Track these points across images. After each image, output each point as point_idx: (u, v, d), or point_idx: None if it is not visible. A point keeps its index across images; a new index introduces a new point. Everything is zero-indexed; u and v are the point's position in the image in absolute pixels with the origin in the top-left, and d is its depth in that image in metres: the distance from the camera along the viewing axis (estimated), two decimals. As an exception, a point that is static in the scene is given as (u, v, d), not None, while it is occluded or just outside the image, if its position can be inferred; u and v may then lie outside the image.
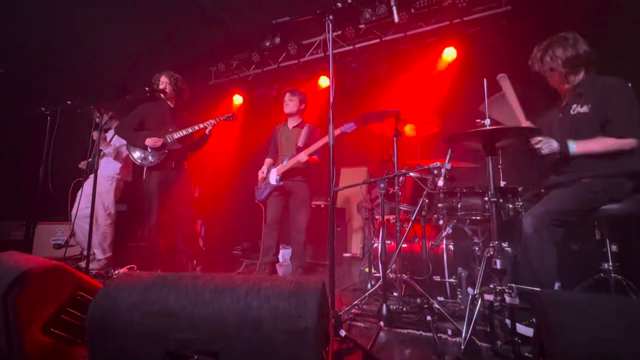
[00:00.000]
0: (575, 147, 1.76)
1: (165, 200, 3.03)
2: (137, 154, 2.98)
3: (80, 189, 3.30)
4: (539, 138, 1.81)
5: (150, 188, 2.98)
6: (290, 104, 3.17)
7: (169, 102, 3.13)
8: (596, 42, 1.89)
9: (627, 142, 1.69)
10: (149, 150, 2.93)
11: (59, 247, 3.61)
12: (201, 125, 2.97)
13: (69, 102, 2.95)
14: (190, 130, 2.97)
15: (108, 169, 3.37)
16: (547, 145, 1.78)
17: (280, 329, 0.82)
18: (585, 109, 1.82)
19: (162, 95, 3.04)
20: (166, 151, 2.95)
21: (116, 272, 2.83)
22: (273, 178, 2.98)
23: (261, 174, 3.14)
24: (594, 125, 1.78)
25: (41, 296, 1.13)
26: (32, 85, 3.98)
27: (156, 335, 0.90)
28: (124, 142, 3.25)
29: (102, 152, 3.34)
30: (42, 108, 3.02)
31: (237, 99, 5.47)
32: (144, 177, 3.03)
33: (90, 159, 3.13)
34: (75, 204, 3.08)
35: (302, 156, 2.89)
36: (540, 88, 2.09)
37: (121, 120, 3.18)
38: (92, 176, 3.18)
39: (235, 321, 0.85)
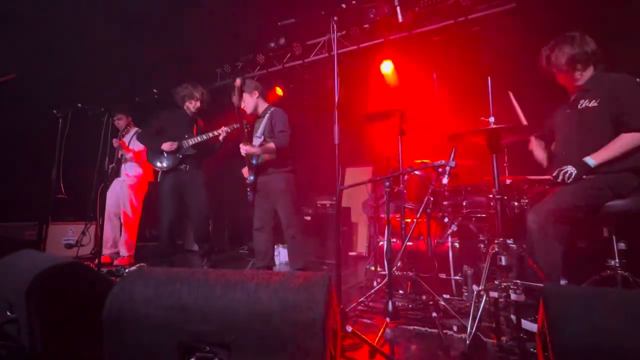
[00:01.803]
0: (594, 161, 1.75)
1: (178, 202, 3.21)
2: (155, 159, 3.20)
3: (109, 190, 3.59)
4: (556, 173, 1.82)
5: (164, 190, 3.17)
6: (245, 105, 2.80)
7: (188, 111, 3.31)
8: (602, 38, 1.89)
9: None
10: (165, 155, 3.15)
11: (70, 247, 3.70)
12: (215, 133, 3.12)
13: (79, 105, 3.03)
14: (204, 137, 3.14)
15: (133, 171, 3.65)
16: (565, 175, 1.78)
17: (289, 321, 0.85)
18: (594, 103, 1.83)
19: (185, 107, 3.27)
20: (180, 156, 3.15)
21: (127, 270, 2.90)
22: (249, 177, 2.76)
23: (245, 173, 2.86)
24: (604, 119, 1.78)
25: (60, 292, 1.18)
26: (44, 88, 4.07)
27: (170, 327, 0.94)
28: (142, 146, 3.49)
29: (123, 157, 3.62)
30: (54, 110, 3.11)
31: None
32: (158, 179, 3.25)
33: (114, 164, 3.45)
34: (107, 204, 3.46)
35: (243, 149, 2.61)
36: (547, 87, 2.10)
37: (142, 127, 3.46)
38: (117, 179, 3.57)
39: (246, 314, 0.88)
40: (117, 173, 3.64)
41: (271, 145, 2.67)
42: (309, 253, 2.84)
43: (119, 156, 3.58)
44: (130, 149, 3.60)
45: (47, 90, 3.98)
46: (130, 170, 3.66)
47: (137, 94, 3.26)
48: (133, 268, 2.90)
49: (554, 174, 1.85)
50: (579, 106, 1.89)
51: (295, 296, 0.87)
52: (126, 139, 3.68)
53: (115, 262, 3.44)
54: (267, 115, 2.78)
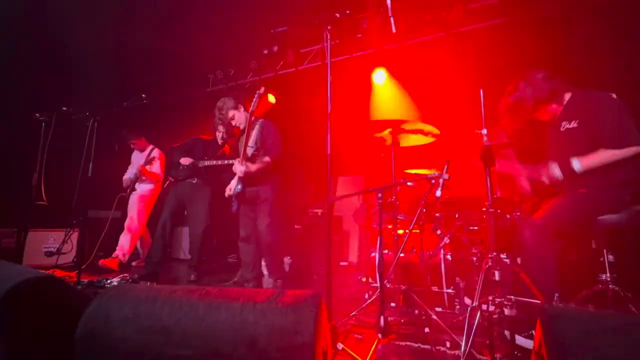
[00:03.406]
0: (579, 164, 1.75)
1: (178, 210, 3.42)
2: (172, 169, 3.56)
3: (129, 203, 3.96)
4: (544, 176, 1.83)
5: (169, 197, 3.44)
6: (236, 122, 2.87)
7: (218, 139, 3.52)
8: (588, 52, 1.92)
9: (629, 151, 1.67)
10: (181, 168, 3.45)
11: (50, 255, 3.56)
12: (230, 162, 3.19)
13: (64, 108, 2.94)
14: (219, 162, 3.31)
15: (146, 185, 4.01)
16: (549, 176, 1.80)
17: (276, 346, 0.80)
18: (574, 124, 1.85)
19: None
20: (191, 171, 3.44)
21: (109, 282, 2.78)
22: (234, 186, 2.72)
23: (228, 190, 2.81)
24: (584, 140, 1.79)
25: (29, 310, 1.10)
26: (27, 91, 3.95)
27: (149, 351, 0.87)
28: (158, 169, 3.96)
29: (139, 176, 3.94)
30: (37, 114, 3.00)
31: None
32: (165, 186, 3.59)
33: (132, 176, 3.93)
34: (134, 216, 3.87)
35: (238, 168, 2.63)
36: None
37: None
38: (135, 192, 3.94)
39: (231, 337, 0.82)
40: (132, 188, 3.95)
41: (267, 159, 2.70)
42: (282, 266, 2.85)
43: (136, 174, 3.89)
44: (149, 172, 3.90)
45: (30, 92, 3.86)
46: (144, 184, 3.98)
47: (125, 99, 3.18)
48: (114, 282, 2.79)
49: (543, 178, 1.86)
50: (561, 128, 1.91)
51: (283, 318, 0.81)
52: (143, 161, 3.98)
53: (100, 262, 3.57)
54: (257, 127, 2.78)
